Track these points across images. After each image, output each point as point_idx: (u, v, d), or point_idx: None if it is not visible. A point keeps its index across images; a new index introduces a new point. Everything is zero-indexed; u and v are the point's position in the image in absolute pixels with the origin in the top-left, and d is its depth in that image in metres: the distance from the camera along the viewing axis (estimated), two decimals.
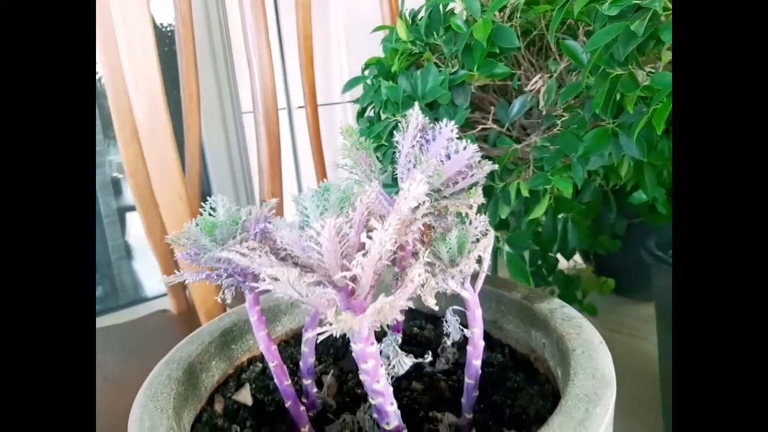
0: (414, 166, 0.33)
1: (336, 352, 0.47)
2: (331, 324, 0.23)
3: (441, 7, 0.53)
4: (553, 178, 0.49)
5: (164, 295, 1.17)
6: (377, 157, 0.39)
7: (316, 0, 0.83)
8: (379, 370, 0.29)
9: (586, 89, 0.43)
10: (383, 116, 0.57)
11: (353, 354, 0.28)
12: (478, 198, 0.34)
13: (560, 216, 0.69)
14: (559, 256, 0.76)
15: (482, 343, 0.32)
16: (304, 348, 0.36)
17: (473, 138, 0.50)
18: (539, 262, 0.75)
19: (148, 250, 0.79)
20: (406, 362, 0.33)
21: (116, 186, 1.23)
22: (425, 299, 0.28)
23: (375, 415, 0.32)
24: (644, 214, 0.78)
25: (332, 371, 0.43)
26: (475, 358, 0.33)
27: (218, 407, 0.39)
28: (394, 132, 0.37)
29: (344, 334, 0.49)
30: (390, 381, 0.30)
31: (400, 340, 0.36)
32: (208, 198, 0.31)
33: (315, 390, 0.39)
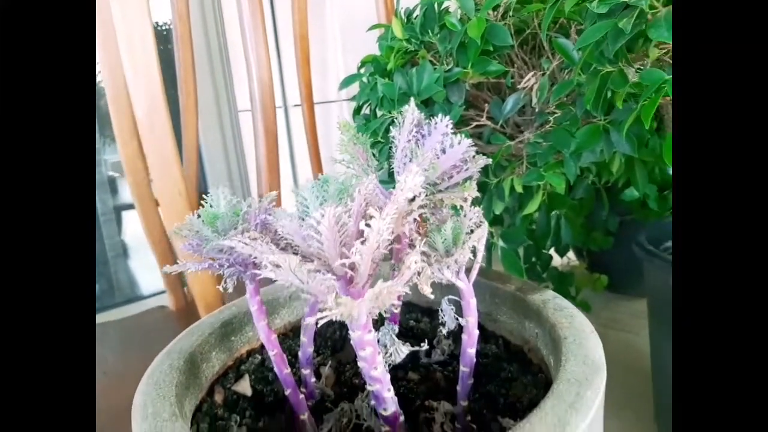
0: (410, 160, 0.34)
1: (334, 345, 0.48)
2: (331, 309, 0.24)
3: (436, 5, 0.54)
4: (546, 174, 0.50)
5: (161, 293, 1.18)
6: (373, 154, 0.40)
7: None
8: (376, 357, 0.29)
9: (577, 87, 0.45)
10: (379, 113, 0.58)
11: (352, 341, 0.29)
12: (472, 191, 0.35)
13: (553, 213, 0.70)
14: (553, 253, 0.77)
15: (477, 332, 0.33)
16: (303, 338, 0.37)
17: (468, 134, 0.51)
18: (533, 259, 0.76)
19: (145, 248, 0.80)
20: (403, 350, 0.34)
21: (112, 185, 1.23)
22: (421, 287, 0.29)
23: (372, 403, 0.33)
24: (636, 211, 0.79)
25: (330, 362, 0.44)
26: (469, 347, 0.34)
27: (218, 398, 0.40)
28: (391, 128, 0.38)
29: (342, 327, 0.49)
30: (387, 369, 0.31)
31: (397, 330, 0.37)
32: (206, 194, 0.32)
33: (313, 380, 0.40)
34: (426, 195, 0.35)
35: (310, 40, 0.78)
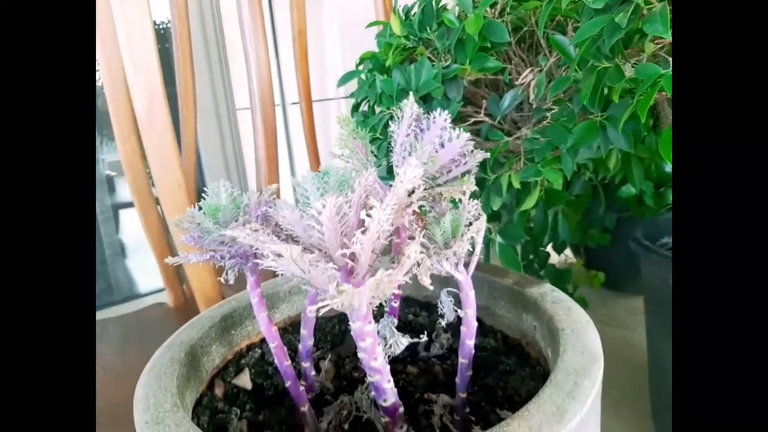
0: (409, 154, 0.35)
1: (333, 339, 0.48)
2: (332, 298, 0.24)
3: (434, 2, 0.55)
4: (543, 170, 0.50)
5: (159, 291, 1.18)
6: (372, 151, 0.40)
7: None
8: (376, 348, 0.30)
9: (574, 83, 0.45)
10: (377, 110, 0.59)
11: (352, 333, 0.30)
12: (470, 185, 0.35)
13: (551, 209, 0.70)
14: (550, 250, 0.78)
15: (475, 324, 0.34)
16: (303, 330, 0.37)
17: (466, 130, 0.52)
18: (531, 256, 0.76)
19: (143, 246, 0.80)
20: (402, 342, 0.34)
21: (110, 183, 1.23)
22: (421, 279, 0.30)
23: (372, 394, 0.33)
24: (632, 208, 0.80)
25: (330, 356, 0.45)
26: (468, 338, 0.34)
27: (218, 391, 0.40)
28: (390, 123, 0.38)
29: (341, 322, 0.50)
30: (386, 360, 0.31)
31: (396, 322, 0.37)
32: (205, 189, 0.32)
33: (313, 373, 0.41)
34: (425, 188, 0.35)
35: (309, 38, 0.79)
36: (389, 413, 0.31)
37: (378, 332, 0.36)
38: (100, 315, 0.83)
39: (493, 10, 0.54)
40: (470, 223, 0.32)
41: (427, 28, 0.55)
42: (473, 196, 0.35)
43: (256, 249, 0.27)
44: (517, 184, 0.55)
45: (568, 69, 0.50)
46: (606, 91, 0.41)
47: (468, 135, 0.35)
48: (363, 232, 0.25)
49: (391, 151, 0.37)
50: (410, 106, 0.36)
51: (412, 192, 0.31)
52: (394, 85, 0.54)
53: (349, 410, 0.37)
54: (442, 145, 0.35)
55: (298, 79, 0.80)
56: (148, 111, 0.50)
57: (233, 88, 1.22)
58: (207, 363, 0.40)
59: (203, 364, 0.40)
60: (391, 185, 0.28)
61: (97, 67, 0.69)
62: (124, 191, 1.22)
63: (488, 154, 0.37)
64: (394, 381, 0.31)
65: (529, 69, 0.52)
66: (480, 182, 0.58)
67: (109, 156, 1.21)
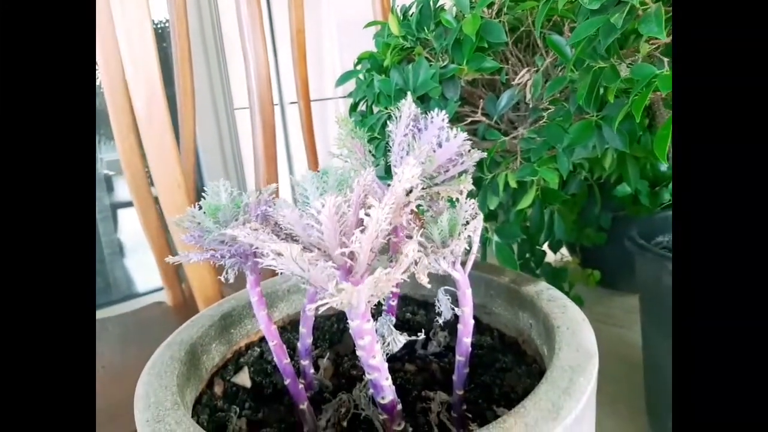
0: (407, 153, 0.35)
1: (332, 338, 0.49)
2: (332, 296, 0.24)
3: (431, 3, 0.55)
4: (539, 169, 0.51)
5: (157, 290, 1.18)
6: (370, 151, 0.41)
7: None
8: (375, 345, 0.30)
9: (570, 83, 0.45)
10: (375, 110, 0.59)
11: (350, 331, 0.30)
12: (468, 184, 0.35)
13: (547, 209, 0.71)
14: (546, 249, 0.78)
15: (472, 322, 0.34)
16: (302, 328, 0.38)
17: (463, 130, 0.52)
18: (527, 255, 0.77)
19: (141, 246, 0.80)
20: (400, 340, 0.34)
21: (108, 183, 1.23)
22: (419, 277, 0.30)
23: (371, 391, 0.34)
24: (628, 207, 0.81)
25: (328, 355, 0.45)
26: (465, 336, 0.34)
27: (218, 389, 0.41)
28: (388, 123, 0.38)
29: (339, 321, 0.50)
30: (385, 358, 0.32)
31: (394, 320, 0.37)
32: (203, 189, 0.32)
33: (312, 371, 0.41)
34: (423, 188, 0.35)
35: (307, 38, 0.79)
36: (387, 410, 0.32)
37: (376, 330, 0.36)
38: (98, 314, 0.83)
39: (490, 10, 0.54)
40: (467, 222, 0.33)
41: (425, 28, 0.55)
42: (470, 195, 0.35)
43: (256, 248, 0.27)
44: (513, 184, 0.55)
45: (564, 69, 0.51)
46: (602, 91, 0.42)
47: (465, 135, 0.35)
48: (362, 231, 0.25)
49: (389, 150, 0.38)
50: (408, 106, 0.36)
51: (410, 191, 0.31)
52: (392, 85, 0.54)
53: (347, 408, 0.37)
54: (440, 145, 0.35)
55: (296, 79, 0.80)
56: (147, 110, 0.50)
57: (232, 88, 1.22)
58: (207, 361, 0.40)
59: (203, 362, 0.40)
60: (389, 185, 0.29)
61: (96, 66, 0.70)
62: (123, 190, 1.22)
63: (485, 154, 0.37)
64: (392, 379, 0.32)
65: (526, 69, 0.52)
66: (477, 181, 0.58)
67: (107, 155, 1.21)
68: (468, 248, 0.33)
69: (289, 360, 0.36)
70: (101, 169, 1.21)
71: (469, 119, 0.56)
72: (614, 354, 0.80)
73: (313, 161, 0.84)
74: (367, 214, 0.25)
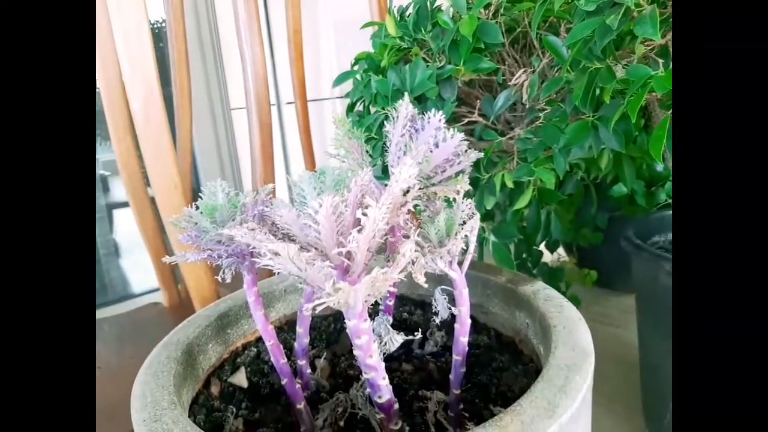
0: (404, 154, 0.35)
1: (328, 338, 0.49)
2: (329, 296, 0.24)
3: (428, 3, 0.55)
4: (536, 169, 0.51)
5: (153, 291, 1.18)
6: (367, 151, 0.41)
7: None
8: (372, 345, 0.30)
9: (566, 84, 0.46)
10: (372, 110, 0.59)
11: (347, 330, 0.30)
12: (464, 184, 0.36)
13: (543, 209, 0.71)
14: (543, 249, 0.78)
15: (469, 321, 0.34)
16: (299, 328, 0.38)
17: (460, 130, 0.52)
18: (524, 255, 0.77)
19: (137, 246, 0.80)
20: (397, 339, 0.34)
21: (104, 183, 1.23)
22: (416, 277, 0.30)
23: (368, 391, 0.34)
24: (624, 207, 0.81)
25: (325, 355, 0.45)
26: (462, 335, 0.34)
27: (214, 389, 0.41)
28: (385, 123, 0.38)
29: (336, 321, 0.50)
30: (382, 358, 0.32)
31: (391, 320, 0.38)
32: (199, 190, 0.32)
33: (309, 371, 0.41)
34: (420, 188, 0.35)
35: (304, 38, 0.79)
36: (384, 410, 0.32)
37: (373, 330, 0.36)
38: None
39: (486, 11, 0.54)
40: (464, 222, 0.33)
41: (422, 28, 0.55)
42: (467, 195, 0.35)
43: (253, 248, 0.27)
44: (510, 184, 0.55)
45: (560, 70, 0.51)
46: (598, 91, 0.42)
47: (462, 135, 0.35)
48: (359, 231, 0.25)
49: (386, 150, 0.38)
50: (405, 106, 0.36)
51: (407, 191, 0.31)
52: (389, 86, 0.54)
53: (344, 407, 0.38)
54: (437, 145, 0.35)
55: (293, 79, 0.80)
56: (144, 110, 0.50)
57: (228, 88, 1.22)
58: (203, 361, 0.40)
59: (199, 362, 0.40)
60: (386, 185, 0.29)
61: None
62: (119, 191, 1.22)
63: (482, 154, 0.37)
64: (389, 378, 0.32)
65: (522, 70, 0.53)
66: (474, 182, 0.58)
67: (103, 155, 1.20)
68: (465, 248, 0.33)
69: (286, 360, 0.36)
70: (97, 170, 1.21)
71: (466, 120, 0.56)
72: (611, 354, 0.80)
73: (310, 161, 0.84)
74: (365, 214, 0.25)
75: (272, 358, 0.35)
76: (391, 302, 0.43)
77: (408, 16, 0.58)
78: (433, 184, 0.37)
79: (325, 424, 0.37)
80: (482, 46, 0.51)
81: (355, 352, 0.30)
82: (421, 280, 0.30)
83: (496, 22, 0.52)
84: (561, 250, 1.04)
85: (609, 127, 0.42)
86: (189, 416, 0.36)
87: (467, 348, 0.35)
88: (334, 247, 0.26)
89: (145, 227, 0.76)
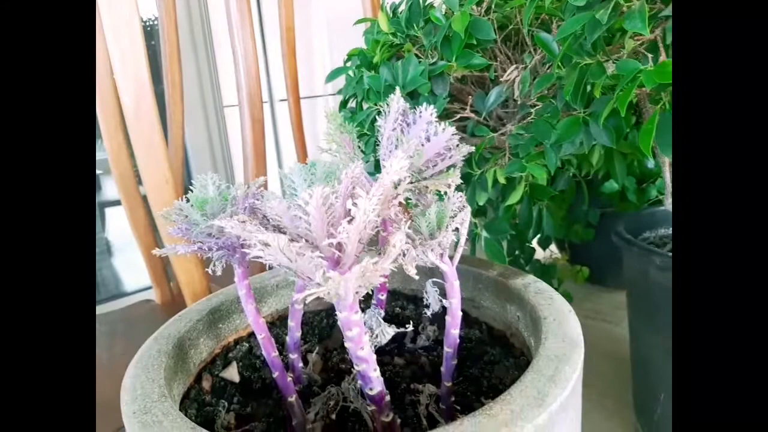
0: (396, 147, 0.35)
1: (320, 333, 0.49)
2: (319, 286, 0.25)
3: (420, 0, 0.55)
4: (527, 165, 0.51)
5: (145, 289, 1.17)
6: (359, 147, 0.41)
7: None
8: (363, 337, 0.30)
9: (558, 80, 0.46)
10: (365, 107, 0.59)
11: (339, 323, 0.30)
12: (455, 178, 0.36)
13: (535, 205, 0.71)
14: (536, 246, 0.79)
15: (460, 313, 0.34)
16: (291, 322, 0.38)
17: (452, 126, 0.52)
18: (516, 252, 0.77)
19: (129, 245, 0.80)
20: (389, 332, 0.34)
21: (96, 182, 1.22)
22: (406, 268, 0.30)
23: (359, 383, 0.34)
24: (615, 204, 0.81)
25: (317, 349, 0.45)
26: (453, 328, 0.34)
27: (206, 384, 0.41)
28: (377, 117, 0.38)
29: (328, 316, 0.50)
30: (373, 350, 0.32)
31: (383, 313, 0.38)
32: (193, 182, 0.32)
33: (301, 365, 0.41)
34: (411, 181, 0.35)
35: (296, 35, 0.79)
36: (375, 402, 0.32)
37: (365, 322, 0.36)
38: None
39: (479, 8, 0.54)
40: (455, 215, 0.33)
41: (414, 25, 0.55)
42: (458, 189, 0.35)
43: (244, 240, 0.27)
44: (502, 180, 0.56)
45: (551, 66, 0.51)
46: (589, 88, 0.42)
47: (453, 129, 0.35)
48: (349, 222, 0.25)
49: (377, 144, 0.38)
50: (397, 100, 0.37)
51: (398, 184, 0.31)
52: (382, 82, 0.54)
53: (336, 400, 0.38)
54: (428, 139, 0.35)
55: (285, 76, 0.80)
56: (135, 107, 0.50)
57: (221, 85, 1.22)
58: (195, 356, 0.40)
59: (191, 356, 0.40)
60: (378, 176, 0.29)
61: None
62: (110, 189, 1.21)
63: (473, 148, 0.38)
64: (381, 372, 0.32)
65: (514, 66, 0.53)
66: (466, 177, 0.58)
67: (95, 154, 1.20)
68: (456, 240, 0.33)
69: (277, 353, 0.36)
70: None
71: (458, 116, 0.57)
72: (602, 349, 0.81)
73: (303, 159, 0.84)
74: (355, 204, 0.25)
75: (263, 351, 0.35)
76: (383, 297, 0.43)
77: (400, 13, 0.58)
78: (425, 178, 0.37)
79: (317, 417, 0.37)
80: (474, 42, 0.51)
81: (346, 344, 0.30)
82: (411, 271, 0.30)
83: (488, 18, 0.52)
84: (553, 247, 1.05)
85: (599, 122, 0.43)
86: (180, 410, 0.36)
87: (458, 341, 0.35)
88: (324, 238, 0.26)
89: (137, 225, 0.76)
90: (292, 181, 0.28)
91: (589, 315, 0.92)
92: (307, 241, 0.27)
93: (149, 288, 0.84)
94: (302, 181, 0.28)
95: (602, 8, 0.34)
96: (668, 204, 0.54)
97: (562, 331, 0.32)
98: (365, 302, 0.46)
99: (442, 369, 0.36)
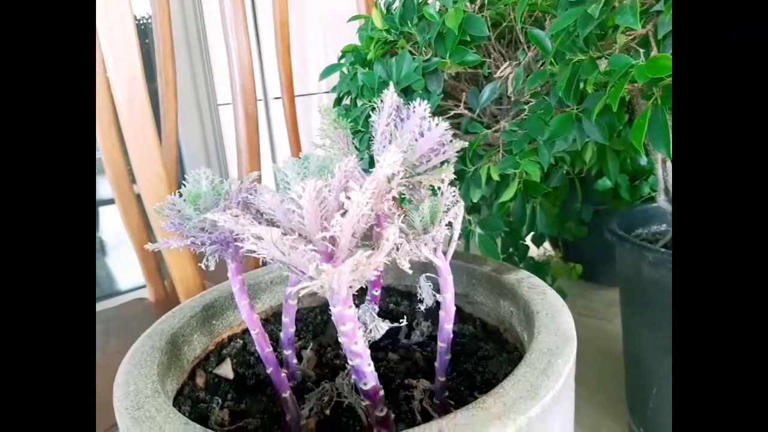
0: (390, 143, 0.35)
1: (315, 329, 0.49)
2: (312, 279, 0.25)
3: None
4: (521, 162, 0.51)
5: (138, 288, 1.17)
6: (353, 143, 0.41)
7: None
8: (357, 331, 0.30)
9: (551, 76, 0.46)
10: (359, 103, 0.59)
11: (333, 317, 0.30)
12: (449, 173, 0.36)
13: (529, 202, 0.71)
14: (529, 243, 0.79)
15: (453, 308, 0.34)
16: (284, 318, 0.38)
17: (445, 122, 0.52)
18: (510, 249, 0.78)
19: (122, 244, 0.79)
20: (383, 326, 0.34)
21: None
22: (400, 263, 0.30)
23: (353, 378, 0.34)
24: (609, 201, 0.82)
25: (311, 345, 0.45)
26: (447, 323, 0.35)
27: (200, 381, 0.41)
28: (371, 113, 0.38)
29: (322, 312, 0.50)
30: (367, 345, 0.32)
31: (377, 309, 0.38)
32: (186, 176, 0.32)
33: (295, 361, 0.41)
34: (405, 176, 0.35)
35: (291, 32, 0.79)
36: (369, 397, 0.32)
37: (358, 317, 0.36)
38: None
39: (472, 5, 0.55)
40: (448, 209, 0.33)
41: (408, 21, 0.55)
42: (451, 185, 0.36)
43: (237, 235, 0.27)
44: (496, 176, 0.56)
45: (545, 63, 0.52)
46: (581, 84, 0.42)
47: (446, 124, 0.35)
48: (342, 215, 0.25)
49: (371, 140, 0.38)
50: (390, 95, 0.37)
51: (392, 178, 0.32)
52: (376, 78, 0.54)
53: (330, 396, 0.38)
54: (422, 134, 0.35)
55: (280, 73, 0.80)
56: (128, 105, 0.49)
57: (215, 83, 1.21)
58: (188, 352, 0.40)
59: (184, 353, 0.40)
60: (372, 170, 0.29)
61: None
62: (103, 188, 1.21)
63: (467, 144, 0.38)
64: (375, 368, 0.32)
65: (508, 63, 0.53)
66: (460, 174, 0.58)
67: None
68: (449, 235, 0.33)
69: (271, 349, 0.36)
70: None
71: (452, 112, 0.57)
72: (596, 346, 0.81)
73: (297, 156, 0.84)
74: (348, 197, 0.25)
75: (257, 347, 0.35)
76: (377, 292, 0.43)
77: (394, 9, 0.58)
78: (419, 174, 0.37)
79: (311, 413, 0.37)
80: (468, 39, 0.51)
81: (340, 339, 0.30)
82: (405, 266, 0.30)
83: (482, 15, 0.52)
84: (547, 245, 1.06)
85: (592, 118, 0.43)
86: (174, 407, 0.36)
87: (452, 336, 0.35)
88: (317, 231, 0.26)
89: (131, 223, 0.75)
90: (285, 175, 0.28)
91: (582, 312, 0.92)
92: (300, 234, 0.27)
93: (143, 287, 0.83)
94: (295, 174, 0.28)
95: (594, 3, 0.34)
96: (661, 201, 0.54)
97: (555, 325, 0.32)
98: (359, 298, 0.46)
99: (436, 364, 0.36)
